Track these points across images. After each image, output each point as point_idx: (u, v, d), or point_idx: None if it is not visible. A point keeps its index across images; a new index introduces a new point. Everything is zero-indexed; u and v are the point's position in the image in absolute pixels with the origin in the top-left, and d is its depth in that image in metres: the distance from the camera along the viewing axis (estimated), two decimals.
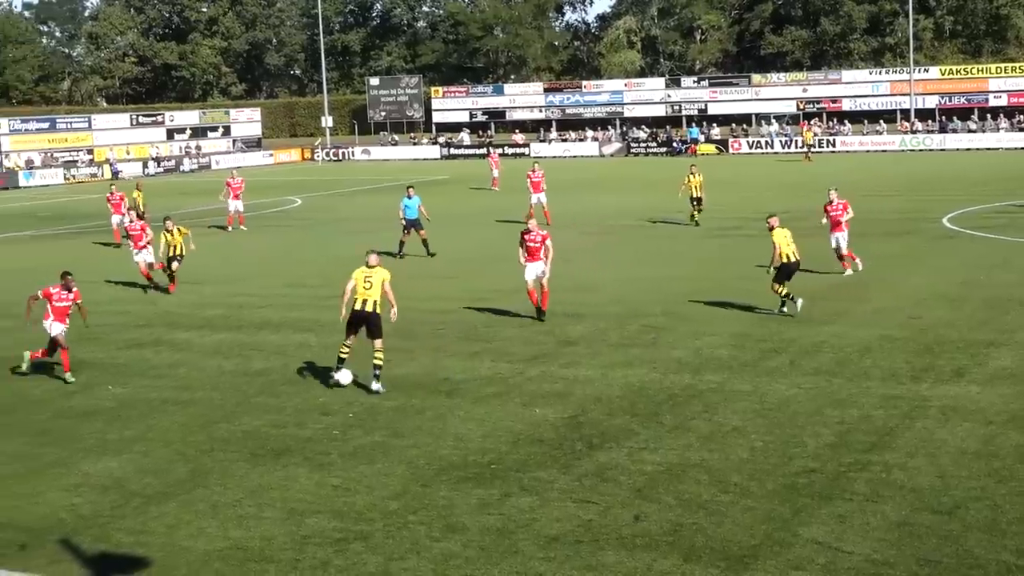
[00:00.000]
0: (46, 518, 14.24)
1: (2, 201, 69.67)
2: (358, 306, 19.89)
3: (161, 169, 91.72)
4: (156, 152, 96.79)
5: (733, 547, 12.56)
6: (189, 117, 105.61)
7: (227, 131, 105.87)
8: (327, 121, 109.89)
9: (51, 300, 22.07)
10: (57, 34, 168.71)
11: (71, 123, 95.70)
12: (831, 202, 30.46)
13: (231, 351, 23.36)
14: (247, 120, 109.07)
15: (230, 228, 46.28)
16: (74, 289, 22.29)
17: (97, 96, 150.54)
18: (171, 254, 31.20)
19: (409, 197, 37.16)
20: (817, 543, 12.56)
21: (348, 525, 13.60)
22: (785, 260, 24.93)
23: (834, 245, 30.19)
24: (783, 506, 13.69)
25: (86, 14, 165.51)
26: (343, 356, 20.14)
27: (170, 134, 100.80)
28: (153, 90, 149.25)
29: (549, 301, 25.45)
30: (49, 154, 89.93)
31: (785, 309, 24.99)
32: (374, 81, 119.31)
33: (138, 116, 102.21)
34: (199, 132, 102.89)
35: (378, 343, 19.80)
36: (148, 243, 32.07)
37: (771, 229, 25.33)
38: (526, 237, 25.70)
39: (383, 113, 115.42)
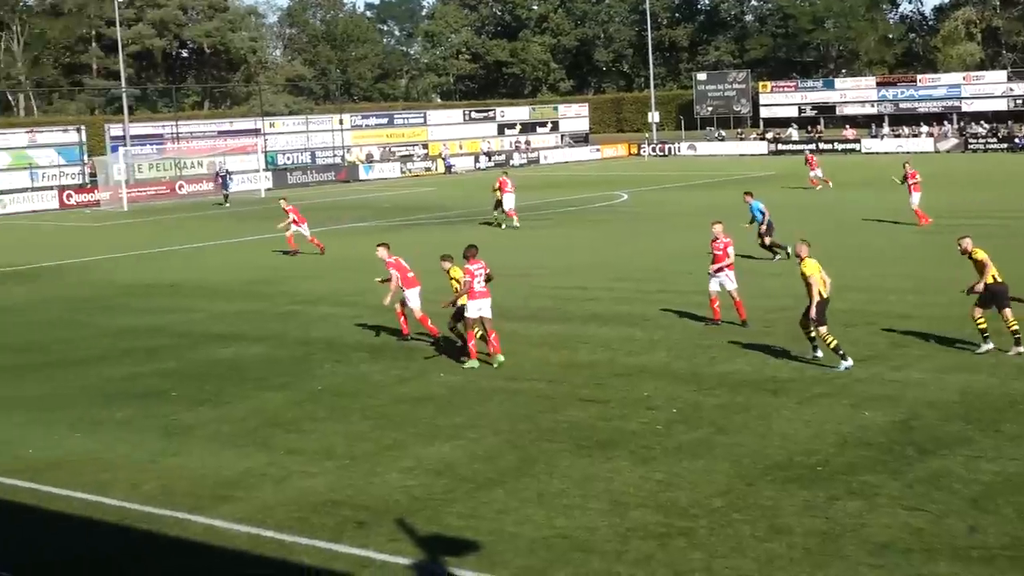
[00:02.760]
0: (383, 498, 14.83)
1: (345, 193, 73.09)
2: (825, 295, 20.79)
3: (492, 164, 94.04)
4: (487, 147, 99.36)
5: None
6: (519, 113, 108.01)
7: (555, 126, 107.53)
8: (654, 116, 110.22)
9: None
10: (396, 33, 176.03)
11: (407, 119, 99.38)
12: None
13: (558, 343, 23.71)
14: (575, 115, 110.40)
15: (515, 223, 46.19)
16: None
17: (432, 93, 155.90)
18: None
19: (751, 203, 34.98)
20: None
21: (672, 520, 13.62)
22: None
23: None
24: None
25: (423, 13, 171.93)
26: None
27: (501, 129, 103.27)
28: (485, 86, 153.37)
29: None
30: (387, 148, 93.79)
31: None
32: (701, 76, 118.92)
33: (470, 112, 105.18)
34: (528, 127, 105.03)
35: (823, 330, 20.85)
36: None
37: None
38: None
39: (709, 108, 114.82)
